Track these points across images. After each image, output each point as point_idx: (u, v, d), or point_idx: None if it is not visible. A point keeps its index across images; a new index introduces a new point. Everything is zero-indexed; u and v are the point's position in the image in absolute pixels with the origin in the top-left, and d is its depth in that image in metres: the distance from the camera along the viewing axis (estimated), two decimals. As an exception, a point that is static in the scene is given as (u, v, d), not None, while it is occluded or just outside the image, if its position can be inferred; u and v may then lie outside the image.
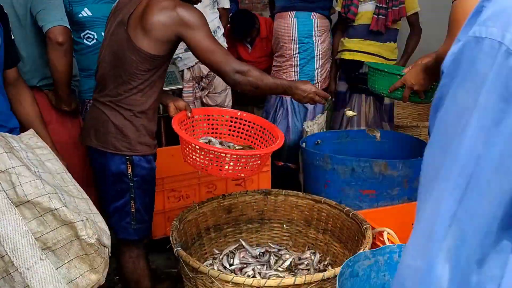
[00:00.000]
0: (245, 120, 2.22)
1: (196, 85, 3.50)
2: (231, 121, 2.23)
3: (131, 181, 1.93)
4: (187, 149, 1.93)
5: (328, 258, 2.48)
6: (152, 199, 2.08)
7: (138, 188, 1.96)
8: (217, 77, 3.53)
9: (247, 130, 2.22)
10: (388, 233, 2.06)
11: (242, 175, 1.98)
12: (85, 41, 2.88)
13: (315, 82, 3.51)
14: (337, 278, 1.44)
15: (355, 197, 2.78)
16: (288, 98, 3.54)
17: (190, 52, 3.32)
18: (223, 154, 1.85)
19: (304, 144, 3.11)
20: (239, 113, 2.25)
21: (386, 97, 2.48)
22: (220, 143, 2.15)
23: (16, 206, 1.40)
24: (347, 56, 3.36)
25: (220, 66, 1.78)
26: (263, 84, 1.84)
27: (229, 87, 3.67)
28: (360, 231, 2.19)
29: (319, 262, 2.45)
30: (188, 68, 3.42)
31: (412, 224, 2.00)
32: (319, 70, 3.50)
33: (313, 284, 1.82)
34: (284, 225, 2.68)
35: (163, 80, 1.97)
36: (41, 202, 1.42)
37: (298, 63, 3.47)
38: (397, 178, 2.71)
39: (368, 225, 2.16)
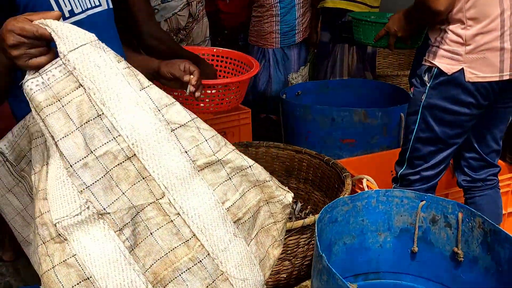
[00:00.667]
0: (222, 57, 2.19)
1: (174, 37, 3.43)
2: (209, 59, 2.18)
3: None
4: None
5: (309, 206, 2.53)
6: None
7: None
8: (195, 28, 3.46)
9: (225, 67, 2.18)
10: (367, 180, 2.09)
11: (217, 109, 1.95)
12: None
13: (296, 31, 3.46)
14: (315, 223, 1.47)
15: (335, 146, 2.80)
16: (270, 49, 3.50)
17: (167, 3, 3.28)
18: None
19: (284, 95, 3.09)
20: (215, 50, 2.21)
21: (372, 46, 2.43)
22: None
23: (199, 170, 1.06)
24: (330, 4, 3.29)
25: (140, 26, 1.72)
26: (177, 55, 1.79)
27: (208, 37, 3.61)
28: (340, 179, 2.22)
29: (301, 211, 2.50)
30: (165, 20, 3.33)
31: (391, 171, 2.03)
32: (300, 19, 3.44)
33: (294, 231, 1.86)
34: (266, 176, 2.70)
35: None
36: (233, 160, 1.11)
37: (279, 13, 3.40)
38: (376, 126, 2.73)
39: (347, 173, 2.19)
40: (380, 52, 4.69)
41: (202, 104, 1.86)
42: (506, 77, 1.63)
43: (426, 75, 1.72)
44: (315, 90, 3.33)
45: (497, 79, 1.63)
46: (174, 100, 1.07)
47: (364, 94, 3.30)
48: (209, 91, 1.84)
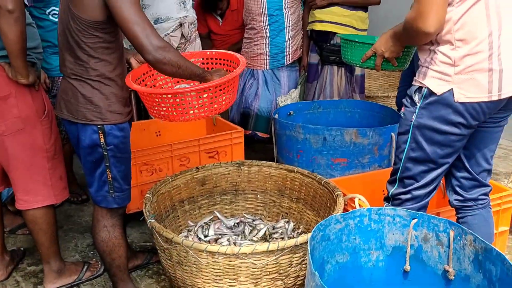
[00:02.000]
0: (216, 58, 2.17)
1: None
2: (205, 63, 2.18)
3: (104, 150, 1.93)
4: (148, 102, 1.89)
5: (301, 226, 2.53)
6: (128, 167, 2.07)
7: (113, 157, 1.95)
8: (188, 49, 3.48)
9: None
10: (359, 199, 2.10)
11: (206, 114, 1.88)
12: (50, 17, 2.80)
13: (285, 53, 3.51)
14: (308, 241, 1.47)
15: (327, 166, 2.82)
16: (260, 70, 3.54)
17: (159, 24, 3.31)
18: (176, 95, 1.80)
19: (276, 115, 3.12)
20: (208, 52, 2.21)
21: (359, 67, 2.44)
22: None
23: None
24: (318, 27, 3.34)
25: (140, 40, 1.68)
26: (184, 64, 1.78)
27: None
28: (332, 198, 2.23)
29: (293, 230, 2.49)
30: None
31: (383, 191, 2.03)
32: (290, 41, 3.49)
33: (286, 250, 1.86)
34: (258, 196, 2.71)
35: (119, 45, 1.93)
36: None
37: (269, 35, 3.46)
38: (367, 146, 2.75)
39: (339, 192, 2.20)
40: (370, 74, 4.75)
41: (195, 110, 1.84)
42: (495, 98, 1.65)
43: (416, 95, 1.75)
44: (307, 110, 3.36)
45: (486, 99, 1.65)
46: None
47: (355, 114, 3.33)
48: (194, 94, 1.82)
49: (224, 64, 2.15)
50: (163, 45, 1.73)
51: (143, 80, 2.10)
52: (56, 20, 2.80)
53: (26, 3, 2.47)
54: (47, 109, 2.19)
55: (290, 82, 3.60)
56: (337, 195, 2.18)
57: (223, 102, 1.89)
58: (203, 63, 2.18)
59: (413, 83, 1.78)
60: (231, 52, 2.16)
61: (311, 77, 3.53)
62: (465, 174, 1.90)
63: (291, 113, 3.27)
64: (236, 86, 1.96)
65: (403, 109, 1.83)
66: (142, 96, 1.92)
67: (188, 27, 3.41)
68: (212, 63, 2.18)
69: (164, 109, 1.86)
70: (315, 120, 3.32)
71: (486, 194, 1.95)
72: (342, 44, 2.24)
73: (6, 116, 2.07)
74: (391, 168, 1.99)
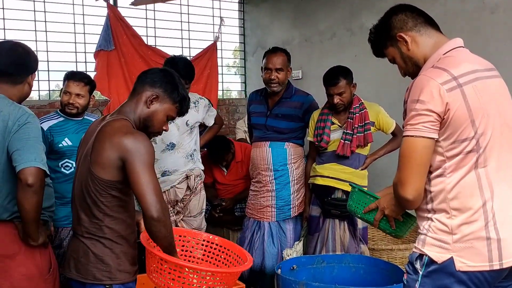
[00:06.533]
0: (216, 244, 2.20)
1: (171, 209, 3.51)
2: (204, 245, 2.20)
3: None
4: (153, 265, 1.88)
5: None
6: None
7: None
8: (193, 200, 3.56)
9: (217, 255, 2.19)
10: None
11: None
12: (62, 169, 2.92)
13: (291, 206, 3.56)
14: None
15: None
16: (266, 222, 3.57)
17: (167, 177, 3.42)
18: (188, 269, 1.82)
19: (279, 270, 3.06)
20: (211, 237, 2.24)
21: (359, 218, 2.41)
22: None
23: None
24: (319, 181, 3.42)
25: (146, 197, 1.75)
26: (170, 236, 1.84)
27: (203, 209, 3.69)
28: None
29: None
30: (164, 192, 3.43)
31: None
32: (295, 194, 3.56)
33: None
34: None
35: (132, 205, 1.99)
36: None
37: (274, 188, 3.55)
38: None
39: None
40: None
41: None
42: (497, 267, 1.64)
43: (418, 262, 1.73)
44: (310, 265, 3.30)
45: (488, 268, 1.64)
46: None
47: (360, 270, 3.26)
48: (203, 273, 1.84)
49: (223, 252, 2.19)
50: (166, 207, 1.80)
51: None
52: (67, 172, 2.93)
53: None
54: (53, 267, 2.17)
55: (295, 235, 3.60)
56: None
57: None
58: (202, 244, 2.21)
59: (414, 250, 1.78)
60: (233, 244, 2.22)
61: (312, 229, 3.53)
62: None
63: (294, 267, 3.22)
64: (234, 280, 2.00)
65: (405, 275, 1.80)
66: (148, 257, 1.93)
67: (194, 179, 3.52)
68: (212, 247, 2.20)
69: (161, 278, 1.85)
70: (319, 275, 3.25)
71: None
72: (352, 191, 2.22)
73: (12, 274, 2.06)
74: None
